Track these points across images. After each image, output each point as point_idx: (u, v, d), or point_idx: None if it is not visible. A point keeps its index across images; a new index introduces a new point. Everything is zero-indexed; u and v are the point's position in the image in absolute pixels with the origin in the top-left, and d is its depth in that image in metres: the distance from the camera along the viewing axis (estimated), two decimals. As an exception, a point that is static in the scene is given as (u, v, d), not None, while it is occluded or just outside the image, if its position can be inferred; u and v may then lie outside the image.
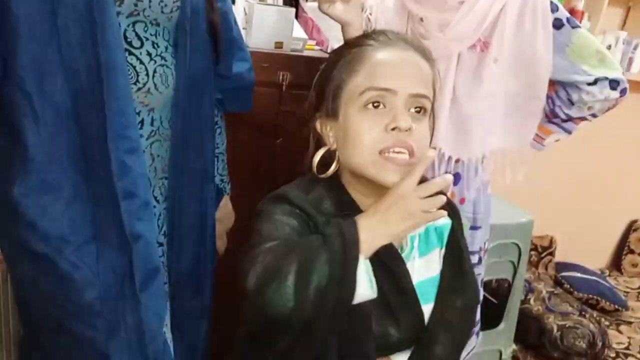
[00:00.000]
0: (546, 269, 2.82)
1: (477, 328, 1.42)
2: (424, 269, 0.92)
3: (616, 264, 3.28)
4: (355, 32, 1.13)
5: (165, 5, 0.91)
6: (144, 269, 0.90)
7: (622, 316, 2.70)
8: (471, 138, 1.19)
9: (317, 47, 1.57)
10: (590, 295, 2.66)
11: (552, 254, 2.87)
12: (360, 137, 0.83)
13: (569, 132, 1.29)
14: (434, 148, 1.19)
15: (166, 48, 0.96)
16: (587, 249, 3.09)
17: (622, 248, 3.26)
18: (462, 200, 1.25)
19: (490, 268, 1.91)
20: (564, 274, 2.78)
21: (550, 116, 1.26)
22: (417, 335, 0.90)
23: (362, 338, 0.84)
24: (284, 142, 1.36)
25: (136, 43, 0.90)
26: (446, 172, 1.23)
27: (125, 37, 0.88)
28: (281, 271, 0.73)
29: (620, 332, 2.56)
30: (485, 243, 1.36)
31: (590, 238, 3.11)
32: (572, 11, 2.29)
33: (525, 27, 1.14)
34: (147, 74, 0.92)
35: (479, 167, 1.25)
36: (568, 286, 2.68)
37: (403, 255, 0.89)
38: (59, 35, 0.81)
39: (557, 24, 1.15)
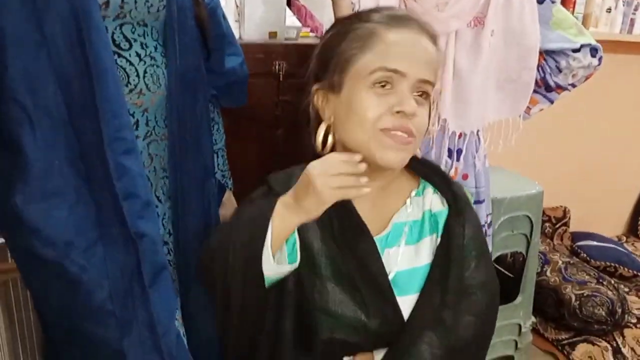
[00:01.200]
0: (561, 239, 2.80)
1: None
2: (411, 258, 0.89)
3: (633, 229, 3.26)
4: (346, 9, 1.15)
5: (152, 5, 0.91)
6: (151, 266, 0.91)
7: (640, 281, 2.69)
8: (471, 111, 1.24)
9: (312, 34, 1.57)
10: (608, 263, 2.64)
11: (566, 224, 2.85)
12: (364, 113, 0.82)
13: (551, 101, 1.37)
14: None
15: (155, 48, 0.96)
16: (602, 217, 3.08)
17: (637, 213, 3.24)
18: (464, 176, 1.26)
19: (504, 242, 1.91)
20: (579, 243, 2.77)
21: (540, 84, 1.31)
22: (396, 330, 0.86)
23: (283, 315, 0.85)
24: (285, 132, 1.36)
25: (124, 45, 0.91)
26: (449, 148, 1.24)
27: (113, 40, 0.89)
28: (221, 242, 0.82)
29: (639, 297, 2.55)
30: (488, 217, 1.36)
31: (604, 206, 3.08)
32: (568, -24, 2.27)
33: (513, 2, 1.20)
34: (138, 75, 0.92)
35: (479, 142, 1.26)
36: (585, 255, 2.67)
37: (379, 237, 0.87)
38: (47, 44, 0.81)
39: (539, 0, 1.22)
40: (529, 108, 1.35)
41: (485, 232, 1.35)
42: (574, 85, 1.32)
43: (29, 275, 0.97)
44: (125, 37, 0.90)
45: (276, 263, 0.79)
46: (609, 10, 2.43)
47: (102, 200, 0.88)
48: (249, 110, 1.28)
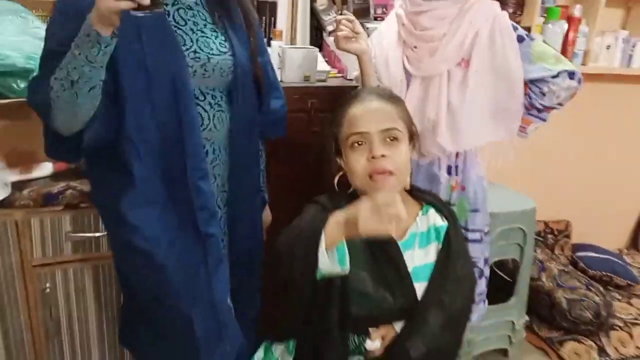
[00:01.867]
0: (562, 250, 3.08)
1: (483, 296, 1.73)
2: (422, 257, 1.23)
3: (634, 243, 3.50)
4: (367, 59, 1.49)
5: (222, 70, 1.27)
6: (214, 259, 1.26)
7: (634, 290, 2.94)
8: (464, 134, 1.53)
9: (339, 74, 1.92)
10: (604, 272, 2.90)
11: (568, 236, 3.12)
12: (353, 168, 1.19)
13: (544, 120, 1.62)
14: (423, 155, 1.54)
15: (221, 97, 1.30)
16: (604, 230, 3.33)
17: (638, 228, 3.49)
18: (463, 188, 1.59)
19: (499, 250, 2.22)
20: (579, 254, 3.03)
21: (530, 108, 1.57)
22: (412, 307, 1.19)
23: (330, 301, 1.16)
24: (314, 156, 1.70)
25: (201, 97, 1.25)
26: (448, 165, 1.58)
27: (195, 94, 1.24)
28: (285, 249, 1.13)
29: (631, 304, 2.80)
30: (485, 226, 1.67)
31: (607, 220, 3.34)
32: (570, 18, 2.55)
33: (497, 44, 1.48)
34: (209, 118, 1.27)
35: (475, 160, 1.57)
36: (582, 265, 2.93)
37: (401, 243, 1.21)
38: (152, 101, 1.17)
39: (520, 39, 1.50)
40: (524, 127, 1.61)
41: (482, 238, 1.66)
42: (560, 104, 1.57)
43: (124, 261, 1.34)
44: (202, 91, 1.25)
45: (329, 259, 1.08)
46: (608, 47, 2.70)
47: (183, 209, 1.24)
48: (287, 139, 1.62)
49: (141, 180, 1.19)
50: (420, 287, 1.20)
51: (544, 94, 1.53)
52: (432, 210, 1.28)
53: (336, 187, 1.26)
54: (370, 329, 1.21)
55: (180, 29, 1.20)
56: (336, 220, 1.08)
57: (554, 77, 1.50)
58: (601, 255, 3.05)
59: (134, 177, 1.19)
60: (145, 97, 1.16)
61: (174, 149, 1.20)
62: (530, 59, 1.51)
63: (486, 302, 1.87)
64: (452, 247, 1.22)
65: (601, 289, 2.56)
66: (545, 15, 2.51)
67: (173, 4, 1.20)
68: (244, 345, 1.36)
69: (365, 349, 1.20)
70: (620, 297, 2.85)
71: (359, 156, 1.18)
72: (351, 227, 1.04)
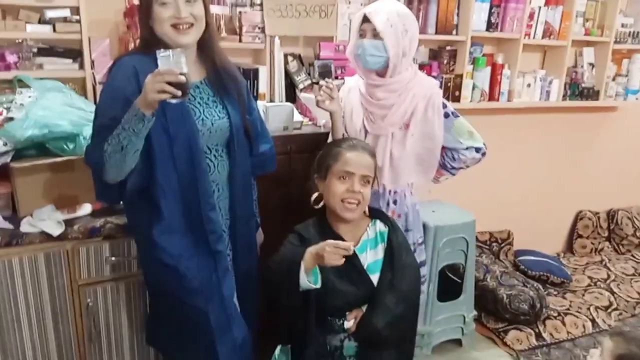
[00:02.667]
0: (506, 255, 3.61)
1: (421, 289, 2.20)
2: (373, 256, 1.73)
3: (569, 247, 4.07)
4: (338, 116, 1.99)
5: (222, 130, 1.70)
6: (221, 268, 1.70)
7: (569, 287, 3.47)
8: (399, 178, 2.04)
9: (310, 122, 2.41)
10: (542, 273, 3.44)
11: (510, 244, 3.66)
12: (335, 192, 1.68)
13: (453, 174, 2.16)
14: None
15: (222, 149, 1.73)
16: (544, 237, 3.89)
17: (572, 234, 4.05)
18: (399, 215, 2.07)
19: (447, 256, 2.71)
20: (520, 258, 3.56)
21: (443, 165, 2.11)
22: (371, 293, 1.68)
23: (310, 300, 1.62)
24: (294, 188, 2.18)
25: (208, 152, 1.69)
26: (388, 199, 2.07)
27: (204, 150, 1.68)
28: (277, 273, 1.62)
29: (565, 298, 3.33)
30: (419, 239, 2.17)
31: (545, 228, 3.90)
32: (494, 65, 3.12)
33: (428, 116, 1.99)
34: (215, 167, 1.71)
35: (407, 194, 2.08)
36: (523, 267, 3.47)
37: (356, 249, 1.69)
38: (174, 157, 1.60)
39: (446, 115, 2.02)
40: (437, 177, 2.15)
41: (415, 249, 2.14)
42: (467, 167, 2.10)
43: (154, 274, 1.75)
44: (209, 147, 1.69)
45: (307, 280, 1.56)
46: (529, 85, 3.28)
47: (198, 234, 1.67)
48: (273, 176, 2.07)
49: (167, 214, 1.63)
50: (375, 278, 1.70)
51: (454, 159, 2.08)
52: (378, 221, 1.78)
53: (312, 201, 1.75)
54: (347, 313, 1.69)
55: (192, 103, 1.64)
56: (310, 253, 1.56)
57: (464, 149, 2.05)
58: (539, 259, 3.59)
59: (162, 212, 1.62)
60: (168, 153, 1.59)
61: (190, 190, 1.64)
62: (450, 132, 2.03)
63: (422, 295, 2.30)
64: (393, 243, 1.73)
65: (536, 285, 3.08)
66: (473, 63, 3.07)
67: None
68: (247, 334, 1.79)
69: (344, 328, 1.69)
70: (556, 293, 3.38)
71: (341, 185, 1.68)
72: (319, 258, 1.53)
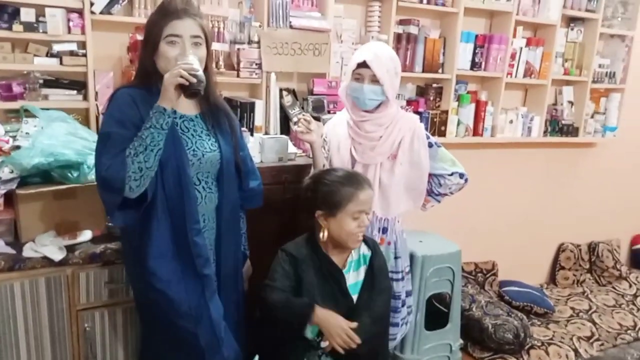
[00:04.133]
0: (491, 286, 3.69)
1: (407, 319, 2.30)
2: (355, 277, 1.84)
3: (552, 278, 4.17)
4: (317, 147, 2.10)
5: (212, 163, 1.77)
6: (209, 291, 1.75)
7: (552, 317, 3.56)
8: (390, 205, 2.13)
9: (304, 154, 2.51)
10: (525, 303, 3.52)
11: (495, 274, 3.75)
12: (348, 230, 1.77)
13: (438, 201, 2.27)
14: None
15: (212, 182, 1.79)
16: (527, 268, 4.00)
17: (555, 265, 4.16)
18: (389, 242, 2.16)
19: (434, 285, 2.78)
20: (505, 288, 3.65)
21: (430, 192, 2.21)
22: (350, 311, 1.78)
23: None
24: (287, 217, 2.26)
25: (197, 182, 1.75)
26: (379, 227, 2.16)
27: (193, 181, 1.73)
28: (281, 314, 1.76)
29: (548, 328, 3.40)
30: (406, 267, 2.26)
31: (529, 260, 4.01)
32: (478, 102, 3.27)
33: (415, 147, 2.11)
34: (202, 198, 1.76)
35: (396, 223, 2.17)
36: (508, 298, 3.55)
37: (344, 271, 1.81)
38: (163, 183, 1.66)
39: (430, 145, 2.14)
40: (425, 205, 2.25)
41: (403, 277, 2.23)
42: (452, 193, 2.22)
43: (144, 297, 1.79)
44: (198, 178, 1.75)
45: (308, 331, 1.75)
46: (511, 121, 3.43)
47: (186, 258, 1.71)
48: (267, 205, 2.15)
49: (157, 238, 1.68)
50: (354, 298, 1.81)
51: (440, 185, 2.20)
52: (362, 244, 1.89)
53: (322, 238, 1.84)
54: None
55: (185, 135, 1.71)
56: (318, 318, 1.72)
57: (449, 175, 2.17)
58: (523, 289, 3.67)
59: (153, 236, 1.68)
60: (158, 178, 1.66)
61: (177, 215, 1.69)
62: (435, 159, 2.16)
63: (409, 324, 2.42)
64: (375, 267, 1.86)
65: (520, 315, 3.16)
66: (458, 100, 3.21)
67: (180, 117, 1.72)
68: (238, 352, 1.85)
69: (322, 346, 1.78)
70: (539, 323, 3.46)
71: (354, 222, 1.78)
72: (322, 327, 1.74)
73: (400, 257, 2.20)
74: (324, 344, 1.76)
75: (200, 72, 1.56)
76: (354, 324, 1.72)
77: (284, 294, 1.77)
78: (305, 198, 1.88)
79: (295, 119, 2.59)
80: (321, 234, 1.81)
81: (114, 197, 1.61)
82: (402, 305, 2.26)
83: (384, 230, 2.17)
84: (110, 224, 2.09)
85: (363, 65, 2.00)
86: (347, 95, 2.10)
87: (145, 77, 1.69)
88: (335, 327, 1.71)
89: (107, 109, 1.67)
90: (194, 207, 1.71)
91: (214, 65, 2.14)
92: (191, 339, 1.74)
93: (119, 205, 1.63)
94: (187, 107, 1.76)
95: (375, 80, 2.00)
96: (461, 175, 2.17)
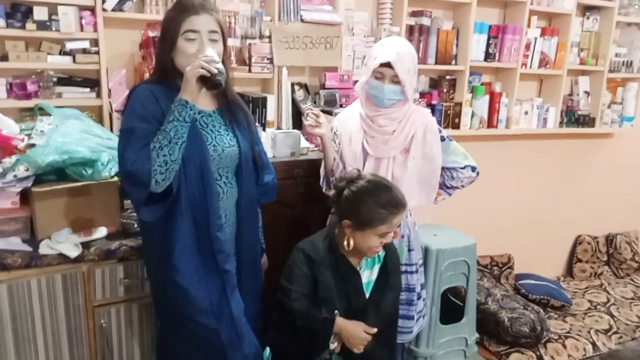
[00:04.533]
0: (507, 279, 3.66)
1: (423, 312, 2.29)
2: (369, 276, 1.84)
3: (569, 271, 4.13)
4: (327, 140, 2.10)
5: (232, 158, 1.79)
6: (230, 287, 1.76)
7: (569, 310, 3.53)
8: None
9: (316, 149, 2.50)
10: (542, 296, 3.49)
11: (511, 267, 3.72)
12: (371, 245, 1.75)
13: (449, 194, 2.24)
14: None
15: (232, 177, 1.81)
16: (544, 261, 3.96)
17: (572, 258, 4.12)
18: (402, 236, 2.16)
19: (449, 279, 2.77)
20: (521, 282, 3.62)
21: (441, 185, 2.19)
22: (360, 311, 1.79)
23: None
24: (299, 211, 2.26)
25: (218, 177, 1.76)
26: None
27: (215, 176, 1.76)
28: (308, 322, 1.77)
29: (565, 321, 3.38)
30: (419, 259, 2.25)
31: (545, 252, 3.98)
32: (492, 93, 3.23)
33: (427, 141, 2.09)
34: (224, 193, 1.78)
35: (408, 216, 2.16)
36: (524, 291, 3.52)
37: (360, 269, 1.81)
38: (186, 179, 1.67)
39: (442, 139, 2.12)
40: (435, 198, 2.21)
41: (417, 269, 2.22)
42: (463, 186, 2.20)
43: (164, 294, 1.79)
44: (219, 174, 1.77)
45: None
46: (526, 112, 3.38)
47: (206, 254, 1.73)
48: (281, 199, 2.14)
49: (180, 234, 1.69)
50: (366, 295, 1.83)
51: (452, 178, 2.18)
52: None
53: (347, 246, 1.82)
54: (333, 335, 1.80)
55: (204, 130, 1.73)
56: (339, 329, 1.78)
57: (462, 168, 2.15)
58: (539, 282, 3.64)
59: (176, 232, 1.69)
60: (181, 175, 1.66)
61: (200, 211, 1.71)
62: (447, 153, 2.14)
63: (426, 317, 2.42)
64: (389, 265, 1.86)
65: (536, 308, 3.14)
66: (472, 92, 3.18)
67: (199, 113, 1.73)
68: (258, 349, 1.85)
69: (331, 348, 1.80)
70: (556, 316, 3.43)
71: (377, 240, 1.75)
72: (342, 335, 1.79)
73: (413, 249, 2.20)
74: (332, 346, 1.78)
75: (221, 65, 1.58)
76: (374, 330, 1.74)
77: (304, 303, 1.78)
78: (337, 203, 1.84)
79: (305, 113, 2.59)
80: (345, 244, 1.79)
81: (141, 191, 1.62)
82: (418, 298, 2.25)
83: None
84: (124, 221, 2.10)
85: (386, 65, 1.98)
86: (363, 90, 2.09)
87: (163, 74, 1.71)
88: (356, 337, 1.76)
89: (127, 104, 1.68)
90: (216, 202, 1.72)
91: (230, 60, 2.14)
92: (211, 337, 1.75)
93: (145, 201, 1.64)
94: (205, 103, 1.77)
95: (396, 80, 2.00)
96: (473, 169, 2.15)
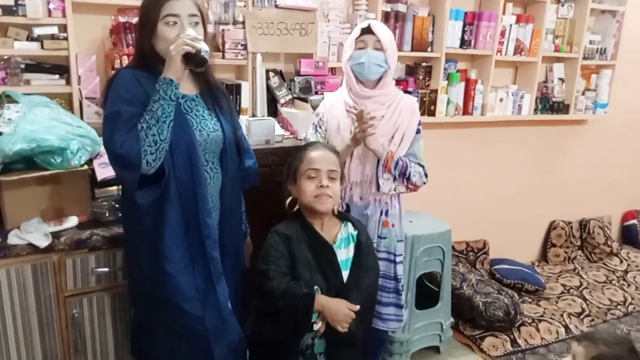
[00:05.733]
0: (482, 264, 3.71)
1: (403, 304, 2.31)
2: (345, 254, 1.85)
3: (543, 256, 4.19)
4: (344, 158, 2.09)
5: (216, 142, 1.78)
6: (216, 274, 1.76)
7: (543, 294, 3.59)
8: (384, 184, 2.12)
9: (291, 136, 2.49)
10: (516, 281, 3.55)
11: (486, 253, 3.76)
12: (306, 190, 1.80)
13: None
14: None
15: (217, 162, 1.81)
16: (518, 246, 4.02)
17: (546, 243, 4.18)
18: (393, 225, 2.19)
19: (424, 264, 2.80)
20: (496, 267, 3.67)
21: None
22: (341, 287, 1.80)
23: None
24: (276, 197, 2.24)
25: (205, 162, 1.76)
26: (380, 211, 2.17)
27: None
28: (289, 301, 1.73)
29: (539, 305, 3.44)
30: (404, 251, 2.29)
31: (520, 238, 4.03)
32: (468, 80, 3.24)
33: (409, 129, 2.12)
34: (211, 178, 1.78)
35: (395, 204, 2.18)
36: (499, 276, 3.57)
37: (335, 246, 1.83)
38: (174, 165, 1.66)
39: (417, 131, 2.15)
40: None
41: (402, 260, 2.27)
42: (414, 183, 2.14)
43: (148, 283, 1.76)
44: (206, 159, 1.76)
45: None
46: (501, 99, 3.41)
47: (195, 239, 1.72)
48: (257, 186, 2.13)
49: (170, 221, 1.69)
50: (345, 274, 1.83)
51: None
52: (349, 224, 1.92)
53: (287, 205, 1.90)
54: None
55: (189, 115, 1.72)
56: (320, 305, 1.75)
57: (419, 165, 2.16)
58: (514, 267, 3.70)
59: (166, 219, 1.68)
60: (169, 161, 1.66)
61: (188, 197, 1.70)
62: (413, 147, 2.15)
63: (407, 309, 2.47)
64: (362, 244, 1.88)
65: (510, 292, 3.18)
66: (447, 79, 3.19)
67: (182, 97, 1.72)
68: (242, 336, 1.86)
69: (314, 329, 1.79)
70: (530, 300, 3.49)
71: (311, 183, 1.81)
72: (326, 313, 1.76)
73: (402, 240, 2.25)
74: (316, 326, 1.77)
75: (204, 44, 1.59)
76: (357, 307, 1.75)
77: (283, 281, 1.76)
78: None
79: (282, 100, 2.58)
80: (287, 202, 1.87)
81: (132, 173, 1.60)
82: (403, 288, 2.30)
83: (386, 213, 2.18)
84: (95, 210, 2.08)
85: (367, 31, 2.02)
86: (348, 70, 2.10)
87: (144, 60, 1.70)
88: (339, 314, 1.75)
89: (111, 89, 1.66)
90: (205, 187, 1.73)
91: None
92: (197, 325, 1.75)
93: (139, 184, 1.63)
94: (188, 87, 1.77)
95: (378, 47, 2.02)
96: (425, 174, 2.18)
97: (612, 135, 4.17)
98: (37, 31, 2.16)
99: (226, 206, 1.85)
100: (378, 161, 2.08)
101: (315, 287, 1.78)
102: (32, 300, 1.92)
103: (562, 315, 3.32)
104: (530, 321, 3.20)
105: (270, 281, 1.76)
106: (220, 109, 1.82)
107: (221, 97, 1.85)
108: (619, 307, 3.53)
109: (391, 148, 2.10)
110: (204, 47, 1.59)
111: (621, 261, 4.17)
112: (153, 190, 1.67)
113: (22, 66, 2.18)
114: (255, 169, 2.02)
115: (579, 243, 4.26)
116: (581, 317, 3.37)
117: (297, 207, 1.89)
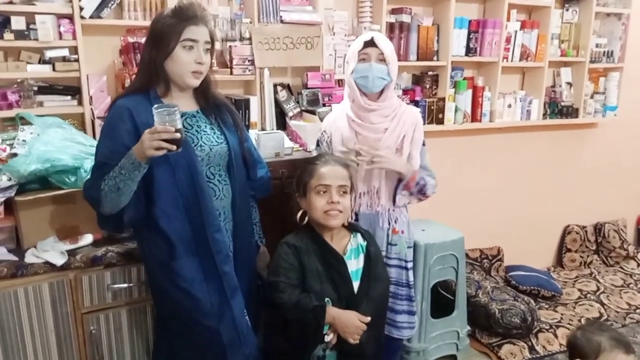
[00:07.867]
0: (497, 271, 3.68)
1: (415, 310, 2.31)
2: (356, 264, 1.86)
3: (559, 261, 4.15)
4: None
5: (221, 155, 1.81)
6: (229, 288, 1.77)
7: (560, 300, 3.55)
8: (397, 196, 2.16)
9: (301, 148, 2.51)
10: (532, 287, 3.51)
11: (501, 259, 3.74)
12: (316, 205, 1.81)
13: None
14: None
15: (225, 174, 1.83)
16: (533, 252, 3.98)
17: (561, 248, 4.15)
18: (402, 231, 2.20)
19: (438, 273, 2.78)
20: (511, 273, 3.64)
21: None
22: (351, 298, 1.80)
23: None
24: (287, 208, 2.26)
25: (210, 176, 1.78)
26: (389, 219, 2.19)
27: (206, 175, 1.78)
28: (299, 313, 1.75)
29: (556, 311, 3.40)
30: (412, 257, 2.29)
31: (535, 243, 4.00)
32: (475, 88, 3.25)
33: (415, 141, 2.14)
34: (220, 190, 1.80)
35: (403, 212, 2.19)
36: (514, 283, 3.54)
37: (345, 257, 1.84)
38: (176, 183, 1.69)
39: (423, 144, 2.17)
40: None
41: (412, 266, 2.28)
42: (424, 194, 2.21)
43: (166, 298, 1.79)
44: (212, 172, 1.78)
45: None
46: (509, 105, 3.41)
47: (206, 256, 1.74)
48: (269, 198, 2.14)
49: (176, 240, 1.71)
50: (355, 285, 1.83)
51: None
52: (358, 234, 1.93)
53: (297, 219, 1.90)
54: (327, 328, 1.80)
55: (189, 132, 1.74)
56: (330, 317, 1.75)
57: (431, 177, 2.19)
58: (529, 273, 3.67)
59: (170, 238, 1.70)
60: (172, 180, 1.70)
61: (195, 213, 1.72)
62: (423, 159, 2.19)
63: (416, 324, 2.43)
64: (371, 254, 1.89)
65: (527, 299, 3.15)
66: (454, 87, 3.20)
67: (182, 115, 1.73)
68: (258, 349, 1.87)
69: (325, 341, 1.80)
70: (547, 306, 3.45)
71: (321, 199, 1.82)
72: (336, 325, 1.77)
73: (411, 246, 2.27)
74: (327, 338, 1.77)
75: (179, 134, 1.53)
76: (367, 319, 1.75)
77: (293, 293, 1.77)
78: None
79: (291, 114, 2.60)
80: (298, 215, 1.88)
81: (95, 209, 1.75)
82: (414, 295, 2.31)
83: (395, 220, 2.20)
84: (110, 227, 2.10)
85: (370, 44, 2.04)
86: (351, 84, 2.11)
87: (146, 79, 1.72)
88: (350, 326, 1.75)
89: (104, 123, 1.73)
90: (209, 203, 1.74)
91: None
92: (214, 338, 1.76)
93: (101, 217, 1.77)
94: (188, 104, 1.79)
95: (381, 59, 2.04)
96: (436, 184, 2.21)
97: (624, 138, 4.15)
98: (49, 54, 2.21)
99: (238, 217, 1.86)
100: (399, 180, 2.13)
101: (327, 298, 1.78)
102: (50, 318, 1.95)
103: (580, 321, 3.28)
104: (547, 327, 3.17)
105: (280, 293, 1.77)
106: (223, 122, 1.85)
107: (224, 111, 1.87)
108: (637, 310, 3.48)
109: (404, 155, 2.13)
110: (178, 141, 1.53)
111: (638, 264, 4.12)
112: (112, 225, 1.82)
113: (35, 88, 2.23)
114: (267, 177, 2.05)
115: (594, 247, 4.21)
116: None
117: (306, 219, 1.90)
